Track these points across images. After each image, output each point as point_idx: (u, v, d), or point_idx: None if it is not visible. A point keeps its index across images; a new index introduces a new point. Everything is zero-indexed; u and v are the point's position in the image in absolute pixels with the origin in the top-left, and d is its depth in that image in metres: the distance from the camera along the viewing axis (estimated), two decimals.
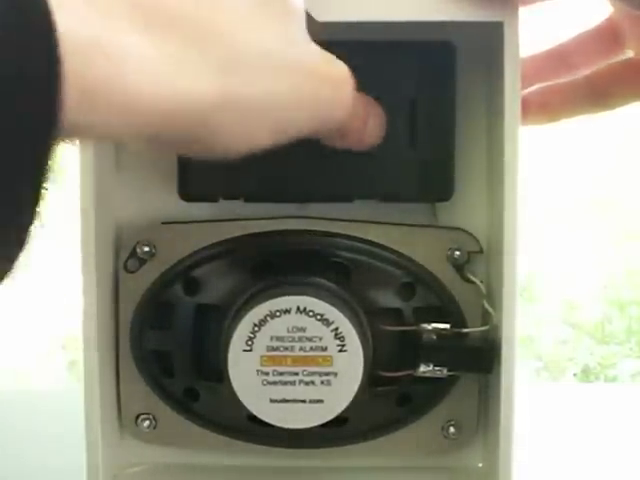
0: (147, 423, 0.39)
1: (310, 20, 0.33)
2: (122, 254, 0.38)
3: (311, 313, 0.34)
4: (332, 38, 0.35)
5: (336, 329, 0.34)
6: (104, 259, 0.37)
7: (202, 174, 0.37)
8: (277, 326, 0.34)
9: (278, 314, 0.34)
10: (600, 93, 0.38)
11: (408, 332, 0.37)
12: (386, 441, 0.39)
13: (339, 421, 0.36)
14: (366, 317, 0.36)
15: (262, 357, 0.34)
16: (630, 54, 0.38)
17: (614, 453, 0.48)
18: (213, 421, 0.39)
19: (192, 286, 0.37)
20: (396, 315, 0.37)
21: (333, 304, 0.34)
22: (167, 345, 0.38)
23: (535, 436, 0.48)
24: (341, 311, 0.34)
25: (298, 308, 0.34)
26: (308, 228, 0.38)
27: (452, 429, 0.39)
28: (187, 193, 0.37)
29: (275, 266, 0.37)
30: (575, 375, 1.90)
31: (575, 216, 2.19)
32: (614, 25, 0.38)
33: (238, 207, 0.38)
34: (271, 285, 0.36)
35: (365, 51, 0.36)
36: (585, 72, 0.39)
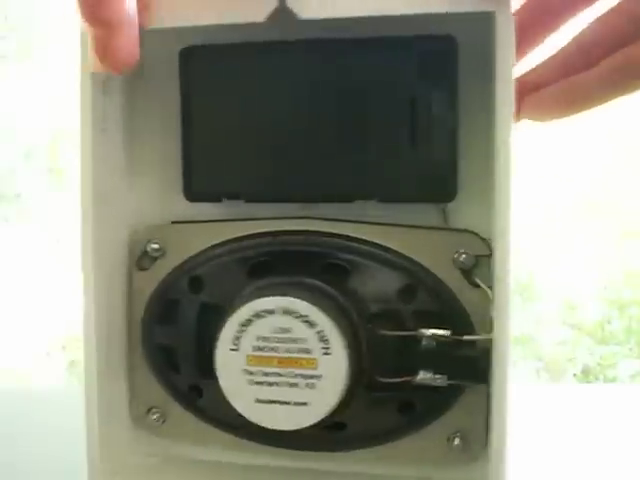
0: (156, 417, 0.39)
1: (292, 18, 0.33)
2: (136, 253, 0.39)
3: (295, 314, 0.34)
4: (330, 36, 0.35)
5: (320, 331, 0.33)
6: (116, 258, 0.38)
7: (205, 175, 0.38)
8: (262, 326, 0.34)
9: (263, 314, 0.34)
10: (623, 79, 0.37)
11: (407, 337, 0.35)
12: (388, 449, 0.38)
13: (337, 426, 0.36)
14: (363, 320, 0.35)
15: (248, 357, 0.34)
16: None
17: (614, 453, 0.48)
18: (216, 418, 0.39)
19: (196, 284, 0.38)
20: (395, 319, 0.36)
21: (318, 306, 0.34)
22: (173, 341, 0.38)
23: (535, 437, 0.48)
24: (326, 313, 0.33)
25: (282, 309, 0.34)
26: (309, 229, 0.37)
27: (458, 440, 0.37)
28: (191, 193, 0.38)
29: (274, 267, 0.37)
30: (575, 375, 1.90)
31: (575, 216, 2.19)
32: (629, 10, 0.35)
33: (246, 207, 0.37)
34: (260, 285, 0.36)
35: (364, 49, 0.36)
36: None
